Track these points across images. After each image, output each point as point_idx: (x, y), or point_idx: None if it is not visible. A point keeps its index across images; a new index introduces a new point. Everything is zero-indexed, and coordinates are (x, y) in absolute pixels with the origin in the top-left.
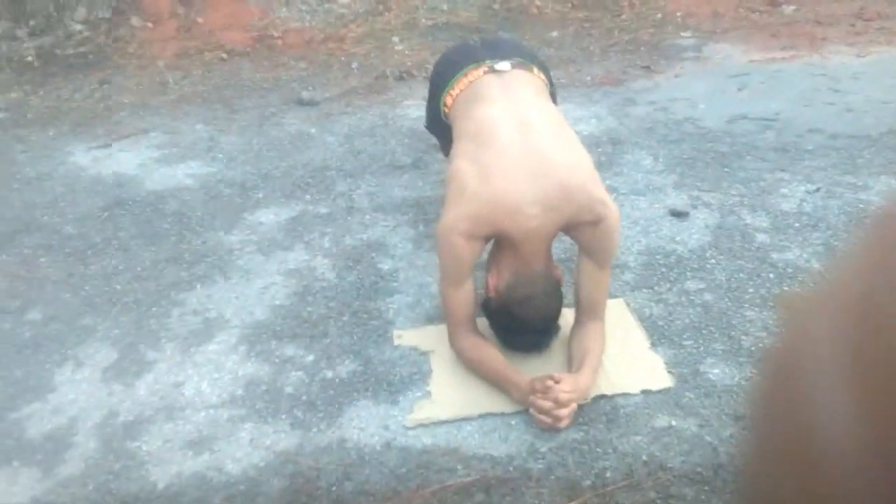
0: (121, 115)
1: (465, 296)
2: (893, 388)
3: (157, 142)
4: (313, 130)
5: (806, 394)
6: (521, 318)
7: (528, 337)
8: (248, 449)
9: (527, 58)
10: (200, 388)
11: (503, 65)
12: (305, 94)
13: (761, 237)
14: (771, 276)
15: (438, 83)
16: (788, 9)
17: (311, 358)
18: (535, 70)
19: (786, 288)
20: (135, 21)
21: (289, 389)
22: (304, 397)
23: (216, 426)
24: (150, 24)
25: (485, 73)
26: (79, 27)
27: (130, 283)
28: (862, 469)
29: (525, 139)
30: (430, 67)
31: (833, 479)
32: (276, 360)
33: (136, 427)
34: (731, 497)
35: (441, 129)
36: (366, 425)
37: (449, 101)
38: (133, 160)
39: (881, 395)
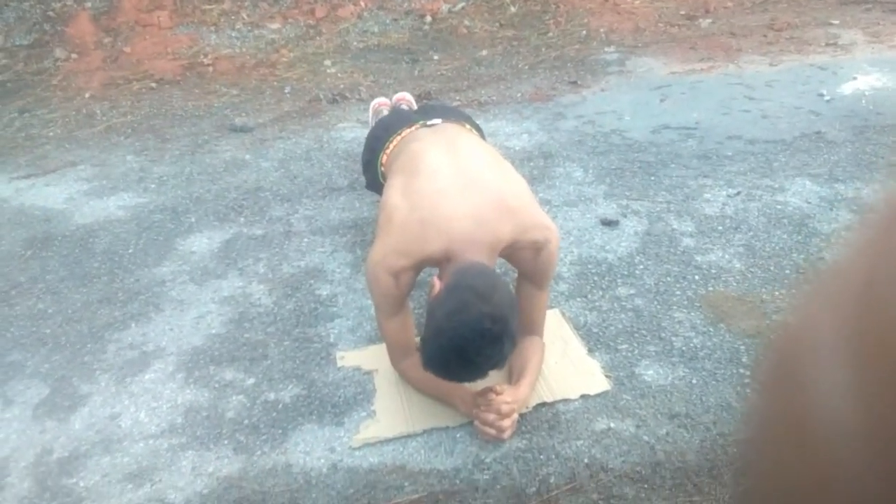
0: (46, 149)
1: (400, 323)
2: (893, 372)
3: (85, 174)
4: (248, 156)
5: (807, 377)
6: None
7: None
8: (190, 477)
9: (460, 118)
10: (138, 418)
11: (435, 120)
12: (238, 121)
13: (687, 241)
14: (696, 277)
15: (375, 146)
16: (705, 22)
17: (251, 381)
18: (468, 126)
19: (710, 289)
20: (58, 52)
21: (230, 414)
22: (246, 421)
23: (156, 456)
24: (74, 55)
25: (418, 128)
26: None
27: (61, 326)
28: (862, 452)
29: (454, 161)
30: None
31: (833, 462)
32: (216, 386)
33: (72, 463)
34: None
35: (380, 188)
36: (311, 448)
37: (385, 158)
38: (60, 194)
39: (881, 379)
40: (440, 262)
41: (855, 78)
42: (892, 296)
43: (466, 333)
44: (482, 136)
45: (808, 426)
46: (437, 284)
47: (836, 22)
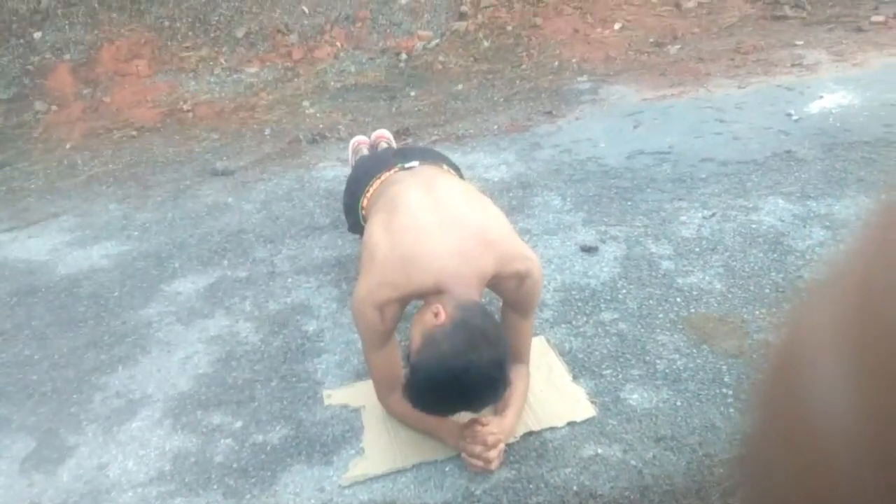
0: (28, 202)
1: (387, 357)
2: (893, 378)
3: (68, 225)
4: (230, 199)
5: (807, 384)
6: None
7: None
8: None
9: (437, 159)
10: (126, 467)
11: (412, 163)
12: (220, 165)
13: (666, 264)
14: (678, 299)
15: (355, 190)
16: (673, 48)
17: (239, 424)
18: (445, 167)
19: (692, 310)
20: (38, 105)
21: (218, 458)
22: (235, 465)
23: None
24: (54, 107)
25: (396, 171)
26: None
27: (48, 372)
28: (863, 460)
29: (433, 200)
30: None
31: (834, 471)
32: (204, 430)
33: None
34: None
35: (363, 231)
36: (301, 489)
37: (365, 202)
38: (44, 246)
39: (883, 386)
40: (429, 295)
41: (821, 97)
42: (891, 303)
43: (473, 373)
44: (460, 174)
45: (810, 436)
46: (443, 313)
47: (801, 42)
